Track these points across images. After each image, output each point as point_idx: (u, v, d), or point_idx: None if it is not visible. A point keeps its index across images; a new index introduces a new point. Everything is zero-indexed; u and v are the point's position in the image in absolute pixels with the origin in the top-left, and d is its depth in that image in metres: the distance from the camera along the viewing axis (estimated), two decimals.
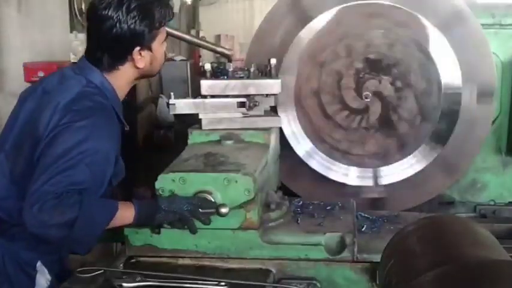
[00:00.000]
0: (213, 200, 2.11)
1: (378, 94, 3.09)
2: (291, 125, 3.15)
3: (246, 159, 2.30)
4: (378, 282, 2.09)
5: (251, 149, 2.48)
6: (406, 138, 3.15)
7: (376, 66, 3.09)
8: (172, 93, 2.67)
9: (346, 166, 3.19)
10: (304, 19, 3.10)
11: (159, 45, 2.17)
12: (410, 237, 1.70)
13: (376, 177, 3.18)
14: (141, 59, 2.12)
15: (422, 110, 3.12)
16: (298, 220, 2.40)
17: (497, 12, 3.40)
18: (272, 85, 2.69)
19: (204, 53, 9.66)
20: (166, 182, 2.14)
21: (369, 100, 3.08)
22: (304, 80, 3.13)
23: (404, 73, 3.08)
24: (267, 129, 2.65)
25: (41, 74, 4.09)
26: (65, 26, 4.86)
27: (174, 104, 2.63)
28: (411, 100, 3.11)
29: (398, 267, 1.62)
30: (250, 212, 2.16)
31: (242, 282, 2.06)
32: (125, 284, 2.02)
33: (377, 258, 1.87)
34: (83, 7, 5.39)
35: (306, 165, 3.17)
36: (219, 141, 2.56)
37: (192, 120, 2.73)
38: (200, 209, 2.08)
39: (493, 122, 3.36)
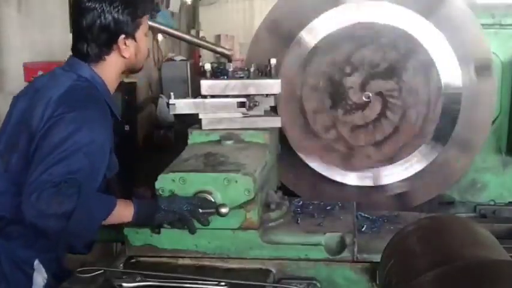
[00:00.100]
0: (213, 200, 2.11)
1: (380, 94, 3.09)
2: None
3: (246, 159, 2.31)
4: (377, 282, 2.09)
5: (251, 149, 2.48)
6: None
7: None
8: (172, 93, 2.67)
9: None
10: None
11: (143, 36, 2.22)
12: (410, 237, 1.70)
13: (376, 178, 3.18)
14: (127, 48, 2.17)
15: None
16: (298, 220, 2.40)
17: (497, 12, 3.40)
18: (272, 85, 2.69)
19: (204, 53, 9.71)
20: (166, 182, 2.14)
21: (369, 100, 3.08)
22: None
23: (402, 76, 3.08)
24: (267, 129, 2.65)
25: (40, 74, 4.10)
26: (65, 26, 4.85)
27: (174, 104, 2.63)
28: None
29: (398, 267, 1.62)
30: (250, 212, 2.16)
31: (242, 282, 2.06)
32: (124, 284, 2.02)
33: (377, 258, 1.87)
34: None
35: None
36: (219, 141, 2.56)
37: (192, 120, 2.73)
38: (200, 209, 2.08)
39: (493, 122, 3.36)
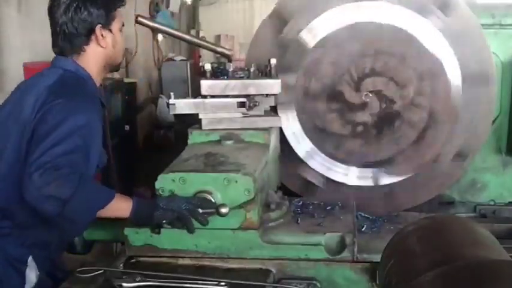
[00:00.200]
0: (213, 200, 2.11)
1: (377, 93, 3.08)
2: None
3: (246, 159, 2.31)
4: (378, 282, 2.09)
5: (251, 149, 2.48)
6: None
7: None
8: (172, 93, 2.68)
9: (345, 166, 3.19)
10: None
11: (118, 30, 2.32)
12: (410, 237, 1.70)
13: (376, 178, 3.18)
14: (104, 39, 2.26)
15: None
16: (298, 220, 2.40)
17: (497, 12, 3.40)
18: (272, 85, 2.69)
19: (204, 53, 9.71)
20: (166, 182, 2.15)
21: (368, 100, 3.08)
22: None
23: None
24: (267, 129, 2.65)
25: None
26: None
27: (174, 104, 2.64)
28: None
29: (398, 267, 1.62)
30: (250, 212, 2.16)
31: (242, 282, 2.06)
32: (124, 284, 2.02)
33: (377, 258, 1.87)
34: None
35: None
36: (219, 141, 2.56)
37: (192, 120, 2.73)
38: (200, 209, 2.09)
39: (493, 122, 3.36)
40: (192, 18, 11.53)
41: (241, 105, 2.62)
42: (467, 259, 1.45)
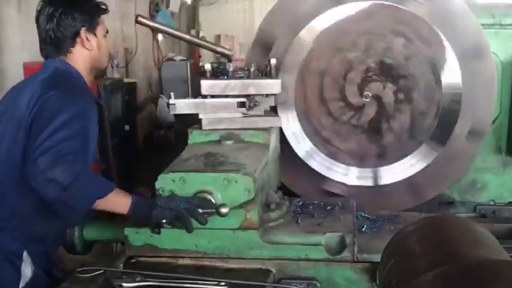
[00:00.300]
0: (213, 200, 2.11)
1: (377, 98, 3.09)
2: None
3: (246, 159, 2.31)
4: (378, 282, 2.09)
5: (251, 149, 2.48)
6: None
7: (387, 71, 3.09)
8: (172, 93, 2.68)
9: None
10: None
11: (102, 36, 2.40)
12: (410, 237, 1.70)
13: (375, 178, 3.18)
14: (89, 42, 2.35)
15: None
16: (298, 220, 2.39)
17: (497, 12, 3.41)
18: (272, 85, 2.69)
19: (204, 53, 9.71)
20: (167, 182, 2.14)
21: (368, 100, 3.09)
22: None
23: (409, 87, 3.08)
24: (267, 129, 2.65)
25: None
26: None
27: (174, 104, 2.63)
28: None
29: (398, 267, 1.62)
30: (250, 212, 2.16)
31: (242, 282, 2.06)
32: (124, 284, 2.02)
33: (377, 258, 1.87)
34: None
35: None
36: (219, 141, 2.56)
37: (192, 120, 2.73)
38: (200, 209, 2.09)
39: (493, 122, 3.36)
40: (192, 18, 11.53)
41: (241, 105, 2.62)
42: (467, 259, 1.45)
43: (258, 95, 2.70)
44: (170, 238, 2.19)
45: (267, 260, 2.20)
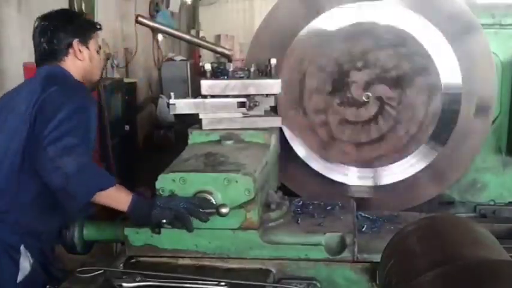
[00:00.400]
0: (213, 200, 2.11)
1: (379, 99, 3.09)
2: None
3: (246, 159, 2.31)
4: (378, 282, 2.09)
5: (251, 149, 2.48)
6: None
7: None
8: (172, 93, 2.68)
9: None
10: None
11: (94, 50, 2.47)
12: (410, 237, 1.70)
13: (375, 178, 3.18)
14: (81, 53, 2.42)
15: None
16: (298, 220, 2.39)
17: (497, 12, 3.40)
18: (272, 85, 2.69)
19: (204, 53, 9.70)
20: (167, 182, 2.15)
21: (368, 101, 3.09)
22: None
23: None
24: (267, 129, 2.65)
25: None
26: None
27: (174, 104, 2.64)
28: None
29: (398, 267, 1.62)
30: (250, 212, 2.16)
31: (242, 282, 2.06)
32: (124, 284, 2.02)
33: (377, 258, 1.87)
34: (83, 7, 5.39)
35: None
36: (219, 141, 2.56)
37: (192, 120, 2.73)
38: (200, 209, 2.09)
39: (493, 121, 3.36)
40: (192, 18, 11.53)
41: (241, 105, 2.62)
42: (467, 259, 1.45)
43: (258, 95, 2.70)
44: (170, 238, 2.19)
45: (267, 260, 2.20)
